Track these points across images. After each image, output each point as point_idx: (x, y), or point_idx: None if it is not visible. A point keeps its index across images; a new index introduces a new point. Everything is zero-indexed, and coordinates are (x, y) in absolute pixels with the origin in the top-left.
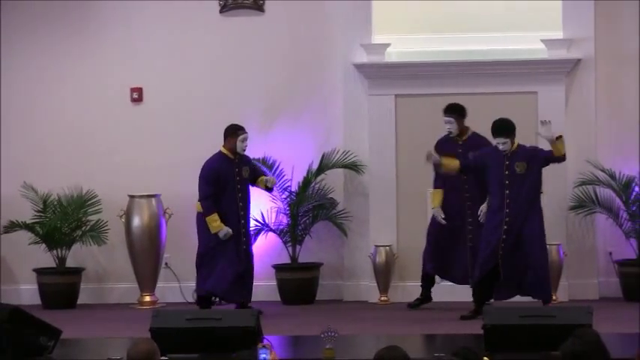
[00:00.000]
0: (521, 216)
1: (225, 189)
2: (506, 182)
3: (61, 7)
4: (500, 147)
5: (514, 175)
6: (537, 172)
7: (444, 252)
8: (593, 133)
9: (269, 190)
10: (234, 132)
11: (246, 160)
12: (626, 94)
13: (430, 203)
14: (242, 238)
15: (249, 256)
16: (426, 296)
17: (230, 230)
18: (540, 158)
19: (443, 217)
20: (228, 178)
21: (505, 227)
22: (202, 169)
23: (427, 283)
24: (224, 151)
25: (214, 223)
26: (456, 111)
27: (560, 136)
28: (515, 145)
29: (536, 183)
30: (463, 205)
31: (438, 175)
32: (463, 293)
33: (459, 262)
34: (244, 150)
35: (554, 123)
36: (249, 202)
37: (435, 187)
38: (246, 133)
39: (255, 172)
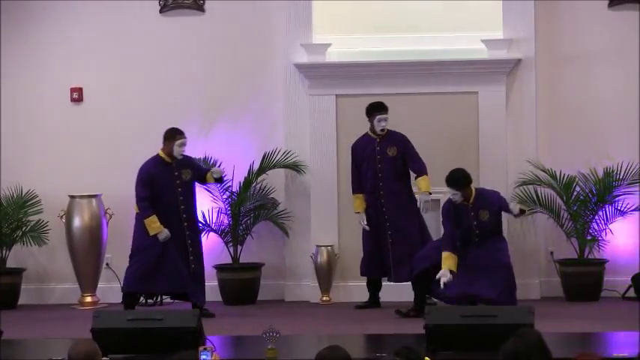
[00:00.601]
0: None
1: (163, 192)
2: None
3: (1, 7)
4: (450, 196)
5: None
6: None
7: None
8: (533, 133)
9: (219, 181)
10: (172, 136)
11: (187, 163)
12: (566, 94)
13: (353, 208)
14: (187, 240)
15: (198, 257)
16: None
17: (169, 233)
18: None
19: (366, 222)
20: (165, 181)
21: None
22: (139, 171)
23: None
24: (161, 154)
25: (153, 224)
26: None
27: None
28: (474, 193)
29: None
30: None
31: (355, 178)
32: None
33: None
34: (181, 155)
35: (495, 123)
36: (192, 205)
37: (355, 192)
38: (184, 138)
39: (200, 171)
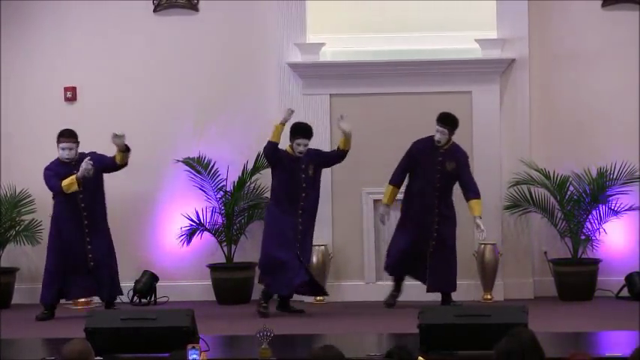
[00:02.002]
0: None
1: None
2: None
3: None
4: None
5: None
6: None
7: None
8: (527, 132)
9: (126, 149)
10: (57, 139)
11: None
12: (559, 94)
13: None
14: (86, 237)
15: (102, 249)
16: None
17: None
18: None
19: (387, 219)
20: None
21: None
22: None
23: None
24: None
25: (68, 181)
26: (451, 123)
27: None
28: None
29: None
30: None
31: (400, 170)
32: (403, 293)
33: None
34: (67, 157)
35: (489, 122)
36: (96, 202)
37: (392, 182)
38: (67, 142)
39: (103, 159)
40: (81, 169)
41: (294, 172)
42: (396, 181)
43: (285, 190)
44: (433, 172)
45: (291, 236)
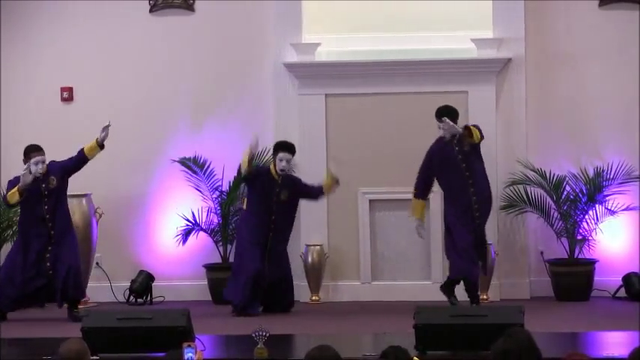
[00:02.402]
0: None
1: (29, 202)
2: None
3: None
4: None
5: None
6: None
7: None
8: (523, 132)
9: (103, 146)
10: (26, 154)
11: (52, 170)
12: (556, 94)
13: (411, 213)
14: (51, 240)
15: (60, 255)
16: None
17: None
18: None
19: (424, 232)
20: (32, 192)
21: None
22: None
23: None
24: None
25: (11, 193)
26: (445, 114)
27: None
28: None
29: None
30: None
31: (420, 182)
32: (399, 292)
33: None
34: (40, 172)
35: (485, 122)
36: (60, 211)
37: (417, 196)
38: (38, 156)
39: (64, 165)
40: (23, 180)
41: (268, 194)
42: (421, 195)
43: (257, 207)
44: (457, 168)
45: (258, 253)
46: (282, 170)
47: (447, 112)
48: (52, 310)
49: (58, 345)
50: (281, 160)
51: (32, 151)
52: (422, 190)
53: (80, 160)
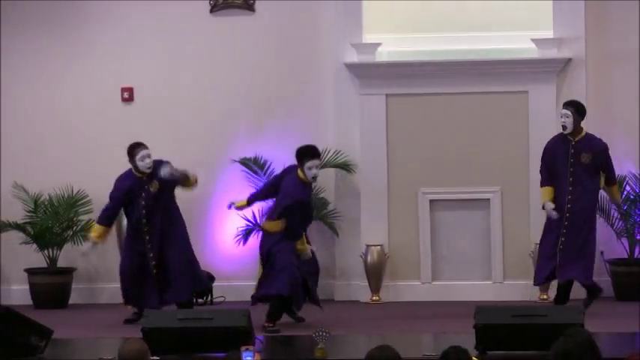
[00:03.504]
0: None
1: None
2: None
3: (55, 8)
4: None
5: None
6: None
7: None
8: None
9: (186, 178)
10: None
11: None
12: (616, 93)
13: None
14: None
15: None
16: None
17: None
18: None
19: (553, 208)
20: (135, 194)
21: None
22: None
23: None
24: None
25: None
26: (573, 105)
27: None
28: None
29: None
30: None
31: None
32: (459, 292)
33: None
34: (148, 168)
35: (546, 122)
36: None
37: (541, 184)
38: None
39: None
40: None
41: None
42: (544, 184)
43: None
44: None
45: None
46: (313, 179)
47: (574, 104)
48: (112, 309)
49: (119, 345)
50: (310, 169)
51: (137, 146)
52: (544, 180)
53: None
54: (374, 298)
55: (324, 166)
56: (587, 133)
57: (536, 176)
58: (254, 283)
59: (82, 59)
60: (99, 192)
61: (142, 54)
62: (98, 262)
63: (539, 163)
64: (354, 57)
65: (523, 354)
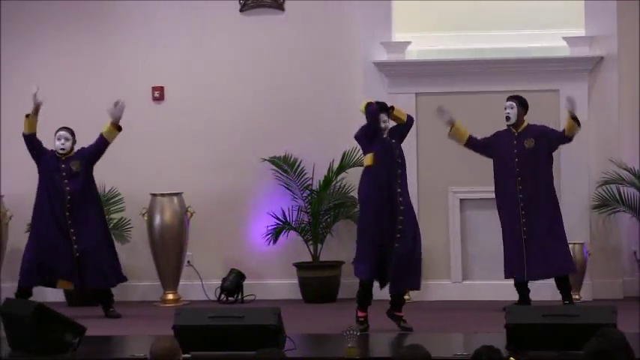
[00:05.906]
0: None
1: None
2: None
3: (85, 7)
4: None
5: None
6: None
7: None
8: (616, 131)
9: (119, 127)
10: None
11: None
12: None
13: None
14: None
15: (91, 235)
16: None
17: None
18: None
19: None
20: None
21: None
22: None
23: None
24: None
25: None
26: (517, 98)
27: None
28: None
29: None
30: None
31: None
32: (489, 292)
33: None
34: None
35: None
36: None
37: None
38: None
39: (89, 151)
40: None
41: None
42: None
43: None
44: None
45: None
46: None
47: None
48: (144, 307)
49: (150, 343)
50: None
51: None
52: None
53: (98, 145)
54: (404, 297)
55: (353, 164)
56: (528, 124)
57: (567, 175)
58: (284, 281)
59: (113, 59)
60: (130, 190)
61: (172, 53)
62: (130, 260)
63: (569, 162)
64: (383, 56)
65: (554, 354)
